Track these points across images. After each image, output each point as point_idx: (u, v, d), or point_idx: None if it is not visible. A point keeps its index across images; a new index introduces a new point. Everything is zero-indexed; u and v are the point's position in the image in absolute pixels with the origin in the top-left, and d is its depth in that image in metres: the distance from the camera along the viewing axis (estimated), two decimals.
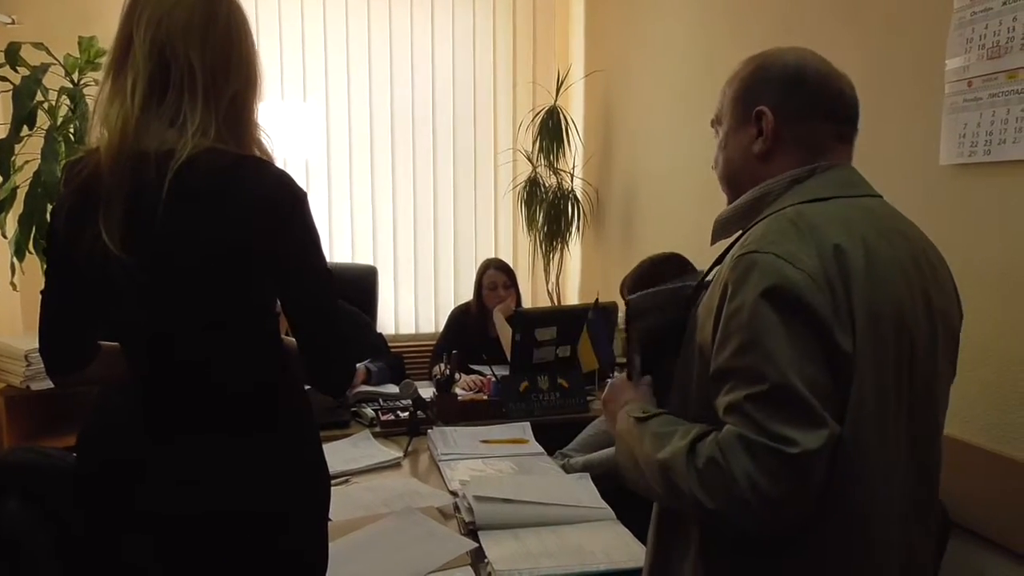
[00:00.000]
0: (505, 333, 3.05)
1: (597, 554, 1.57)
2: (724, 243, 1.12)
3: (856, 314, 0.94)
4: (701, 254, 2.35)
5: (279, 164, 1.23)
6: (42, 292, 1.23)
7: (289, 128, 3.59)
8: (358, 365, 2.73)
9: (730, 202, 1.15)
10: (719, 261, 1.07)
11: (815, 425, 0.89)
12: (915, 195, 1.71)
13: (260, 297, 1.21)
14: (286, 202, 1.17)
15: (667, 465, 0.97)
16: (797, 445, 0.87)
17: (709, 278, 1.09)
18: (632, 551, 1.58)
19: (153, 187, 1.10)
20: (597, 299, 2.71)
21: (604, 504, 1.80)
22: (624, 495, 1.78)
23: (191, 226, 1.13)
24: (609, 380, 2.62)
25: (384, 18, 3.91)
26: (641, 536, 1.64)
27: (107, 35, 1.18)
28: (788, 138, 1.07)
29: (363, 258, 3.97)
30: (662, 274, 2.29)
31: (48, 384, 2.70)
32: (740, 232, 1.09)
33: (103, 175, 1.12)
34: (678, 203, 3.11)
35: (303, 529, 1.27)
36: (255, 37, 1.23)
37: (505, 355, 2.89)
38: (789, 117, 1.07)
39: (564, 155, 3.90)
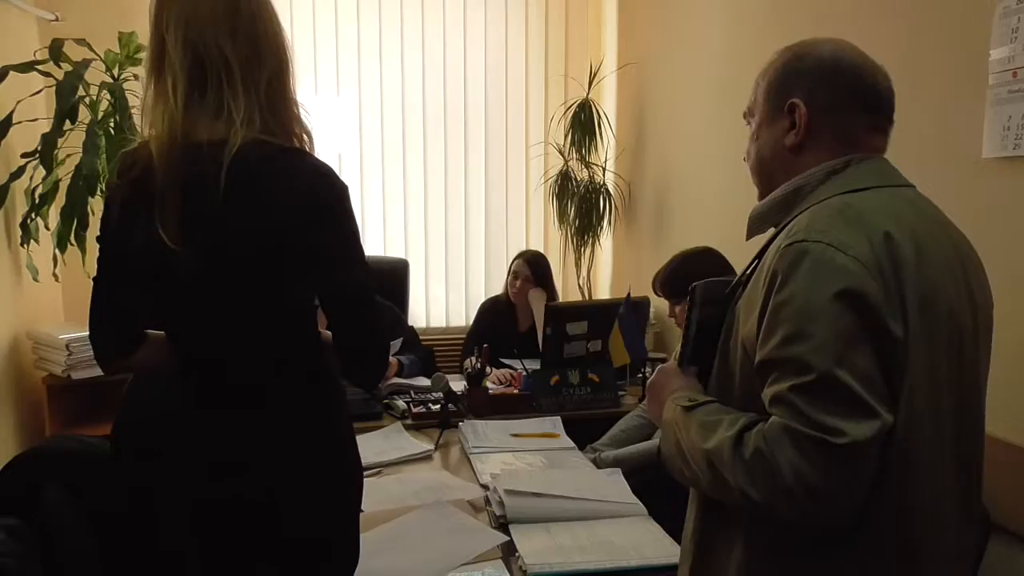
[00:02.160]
0: (541, 318, 3.04)
1: (628, 550, 1.56)
2: (760, 239, 1.10)
3: (908, 302, 0.93)
4: (735, 249, 2.33)
5: (317, 148, 1.24)
6: (94, 280, 1.26)
7: (322, 122, 3.62)
8: (391, 358, 2.75)
9: (761, 196, 1.14)
10: (760, 255, 1.06)
11: (865, 415, 0.88)
12: (956, 189, 1.66)
13: (301, 289, 1.23)
14: (328, 195, 1.19)
15: (713, 455, 0.96)
16: (845, 435, 0.86)
17: (749, 272, 1.08)
18: (663, 547, 1.57)
19: (208, 178, 1.13)
20: (629, 293, 2.69)
21: (635, 499, 1.79)
22: (655, 491, 1.78)
23: (242, 217, 1.15)
24: (643, 374, 2.56)
25: (416, 11, 3.92)
26: (672, 532, 1.63)
27: (146, 30, 1.21)
28: (821, 130, 1.06)
29: (395, 251, 3.99)
30: (694, 269, 2.27)
31: (88, 373, 2.77)
32: (775, 227, 1.08)
33: (156, 168, 1.14)
34: (712, 197, 3.07)
35: (335, 518, 1.28)
36: (288, 30, 1.25)
37: (536, 349, 2.88)
38: (822, 109, 1.06)
39: (596, 149, 3.88)
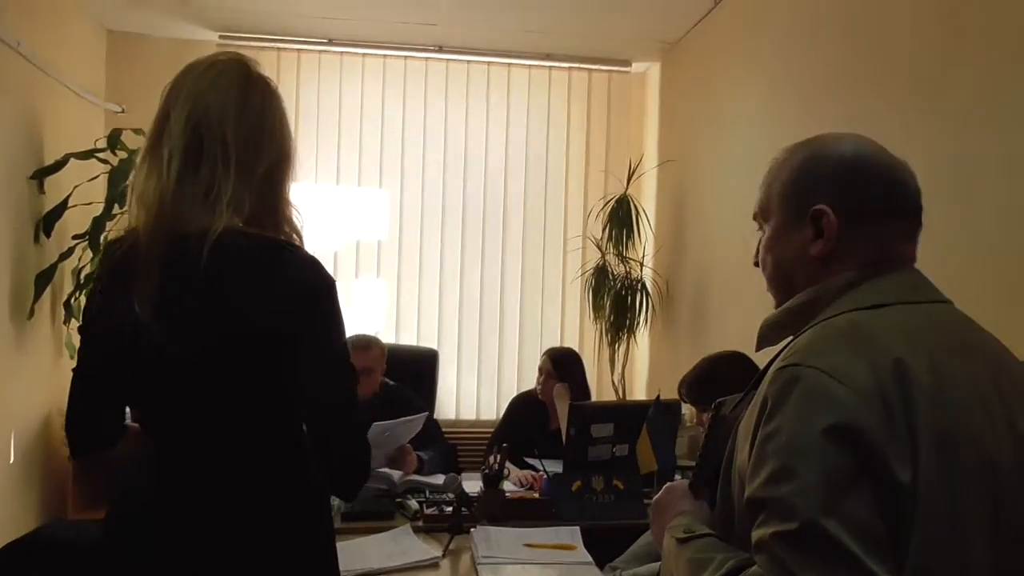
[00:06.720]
0: (564, 417, 2.94)
1: None
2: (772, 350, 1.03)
3: (920, 438, 0.82)
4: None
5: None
6: (73, 370, 1.25)
7: (363, 211, 3.70)
8: (416, 454, 2.69)
9: (778, 306, 1.06)
10: (765, 371, 0.98)
11: (856, 574, 0.77)
12: None
13: (279, 382, 1.18)
14: (316, 290, 1.16)
15: None
16: None
17: (752, 390, 1.00)
18: None
19: (188, 263, 1.11)
20: (659, 395, 2.59)
21: None
22: None
23: (221, 305, 1.13)
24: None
25: (460, 106, 4.03)
26: None
27: None
28: (851, 239, 0.97)
29: (428, 341, 3.98)
30: (721, 375, 2.18)
31: None
32: (794, 337, 1.00)
33: (139, 250, 1.13)
34: (754, 298, 2.97)
35: None
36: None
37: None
38: (851, 216, 0.97)
39: (634, 244, 3.85)
